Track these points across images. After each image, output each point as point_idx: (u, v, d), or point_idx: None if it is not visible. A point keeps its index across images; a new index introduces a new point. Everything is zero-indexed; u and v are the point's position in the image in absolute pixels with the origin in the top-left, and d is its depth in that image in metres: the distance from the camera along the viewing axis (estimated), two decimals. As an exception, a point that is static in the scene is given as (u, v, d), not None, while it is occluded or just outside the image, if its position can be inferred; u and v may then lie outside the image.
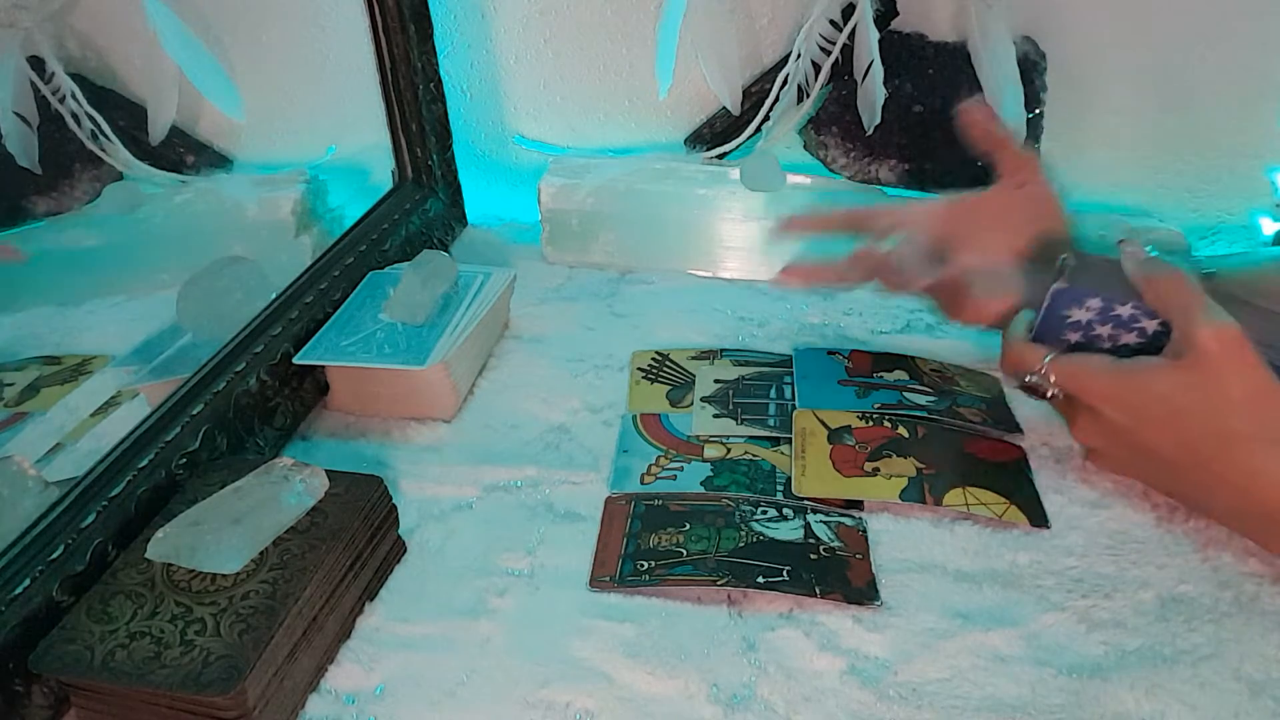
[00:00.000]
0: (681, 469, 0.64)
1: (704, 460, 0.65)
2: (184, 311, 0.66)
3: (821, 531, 0.58)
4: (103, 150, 0.68)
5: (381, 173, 0.88)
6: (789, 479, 0.62)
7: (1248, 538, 0.55)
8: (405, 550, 0.59)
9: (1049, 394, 0.58)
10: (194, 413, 0.62)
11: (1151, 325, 0.56)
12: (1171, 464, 0.55)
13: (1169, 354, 0.54)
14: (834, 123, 0.85)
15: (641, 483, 0.63)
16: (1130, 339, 0.57)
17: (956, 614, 0.54)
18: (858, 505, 0.61)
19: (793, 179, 0.86)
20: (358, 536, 0.54)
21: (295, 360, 0.68)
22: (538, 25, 0.90)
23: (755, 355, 0.75)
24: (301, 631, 0.50)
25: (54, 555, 0.51)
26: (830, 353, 0.74)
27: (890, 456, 0.63)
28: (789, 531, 0.58)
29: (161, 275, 0.72)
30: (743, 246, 0.86)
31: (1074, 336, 0.58)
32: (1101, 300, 0.56)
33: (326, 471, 0.55)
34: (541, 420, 0.70)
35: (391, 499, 0.57)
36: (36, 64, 0.65)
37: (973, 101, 0.69)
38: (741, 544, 0.57)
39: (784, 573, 0.55)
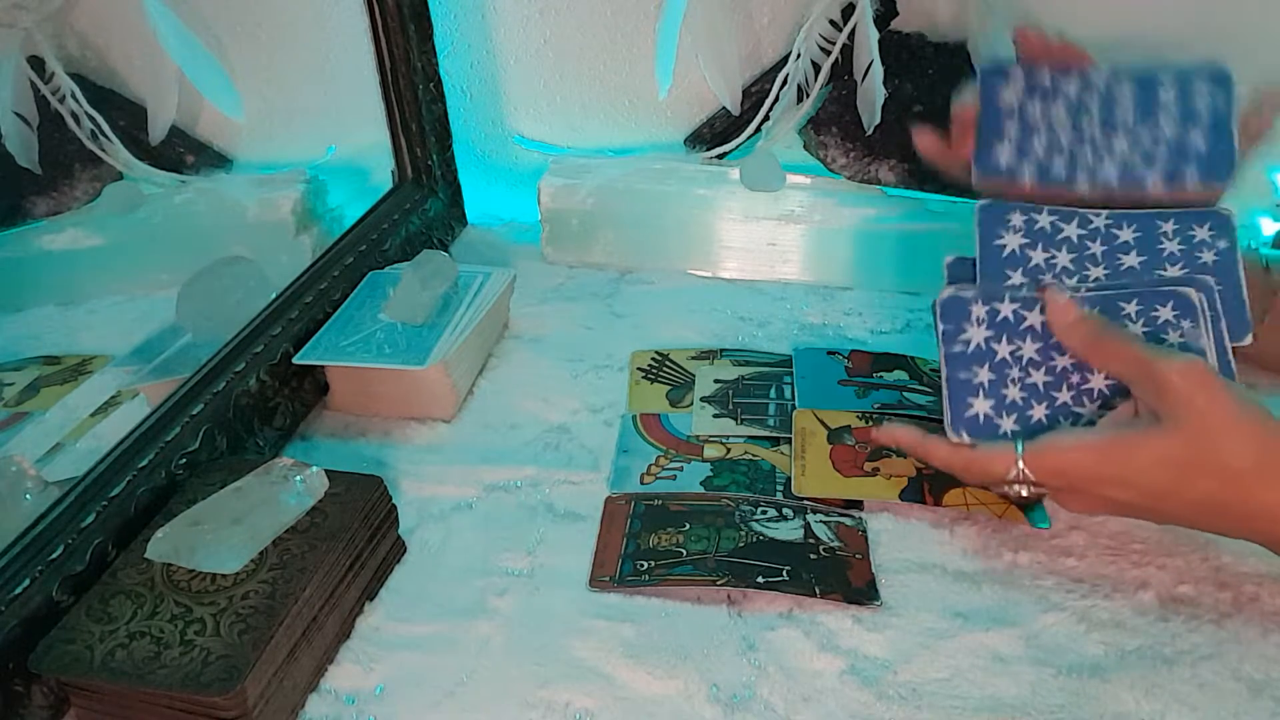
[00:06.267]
0: (681, 469, 0.64)
1: (704, 460, 0.65)
2: (184, 311, 0.66)
3: (821, 531, 0.58)
4: (103, 150, 0.68)
5: (381, 173, 0.88)
6: (789, 479, 0.62)
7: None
8: (405, 550, 0.59)
9: (1028, 495, 0.53)
10: (194, 413, 0.62)
11: (1071, 228, 0.58)
12: (1192, 522, 0.52)
13: (1144, 416, 0.51)
14: (834, 123, 0.85)
15: (641, 483, 0.63)
16: (1065, 258, 0.58)
17: (956, 614, 0.54)
18: (858, 505, 0.61)
19: (793, 179, 0.86)
20: (358, 536, 0.54)
21: (295, 360, 0.68)
22: (538, 25, 0.90)
23: (755, 355, 0.75)
24: (301, 631, 0.50)
25: (54, 555, 0.51)
26: (830, 353, 0.74)
27: (890, 456, 0.63)
28: (789, 531, 0.58)
29: (161, 275, 0.72)
30: (743, 246, 0.86)
31: (1016, 275, 0.58)
32: (1021, 214, 0.59)
33: (326, 471, 0.55)
34: (541, 420, 0.70)
35: (391, 499, 0.57)
36: (36, 64, 0.65)
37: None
38: (741, 544, 0.57)
39: (784, 573, 0.55)
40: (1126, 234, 0.58)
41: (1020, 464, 0.52)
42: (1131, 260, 0.57)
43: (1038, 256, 0.58)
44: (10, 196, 0.64)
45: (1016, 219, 0.58)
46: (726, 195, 0.86)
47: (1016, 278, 0.58)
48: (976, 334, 0.56)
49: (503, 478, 0.65)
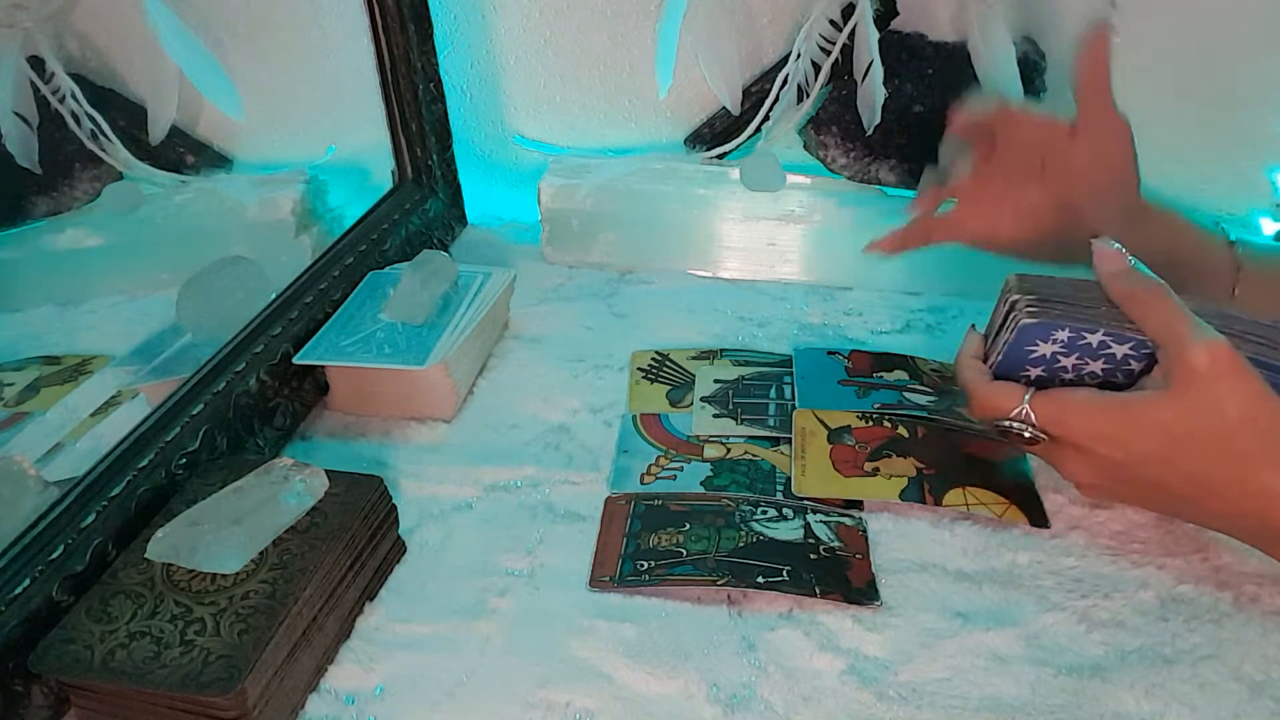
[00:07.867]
0: (681, 469, 0.64)
1: (704, 460, 0.65)
2: (184, 311, 0.66)
3: (821, 531, 0.58)
4: (103, 150, 0.68)
5: (381, 173, 0.88)
6: (789, 479, 0.62)
7: (1270, 555, 0.52)
8: (405, 550, 0.59)
9: (1029, 436, 0.53)
10: (194, 413, 0.62)
11: (1121, 350, 0.53)
12: (1179, 497, 0.52)
13: (1156, 379, 0.51)
14: (834, 123, 0.85)
15: (641, 483, 0.63)
16: (1097, 366, 0.54)
17: (956, 614, 0.54)
18: (858, 505, 0.61)
19: (793, 179, 0.86)
20: (358, 536, 0.54)
21: (295, 360, 0.68)
22: (538, 25, 0.90)
23: (755, 355, 0.75)
24: (301, 631, 0.50)
25: (54, 555, 0.51)
26: (830, 353, 0.74)
27: (890, 456, 0.63)
28: (789, 531, 0.58)
29: (161, 275, 0.72)
30: (743, 246, 0.86)
31: (1035, 371, 0.55)
32: (1069, 332, 0.52)
33: (326, 471, 0.55)
34: (541, 420, 0.70)
35: (391, 499, 0.57)
36: (36, 64, 0.65)
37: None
38: (741, 544, 0.57)
39: (784, 573, 0.55)
40: None
41: (1026, 404, 0.53)
42: None
43: (1068, 362, 0.54)
44: (10, 196, 0.64)
45: (1062, 335, 0.53)
46: (726, 195, 0.86)
47: (1034, 374, 0.55)
48: (1046, 349, 0.54)
49: (503, 478, 0.65)
